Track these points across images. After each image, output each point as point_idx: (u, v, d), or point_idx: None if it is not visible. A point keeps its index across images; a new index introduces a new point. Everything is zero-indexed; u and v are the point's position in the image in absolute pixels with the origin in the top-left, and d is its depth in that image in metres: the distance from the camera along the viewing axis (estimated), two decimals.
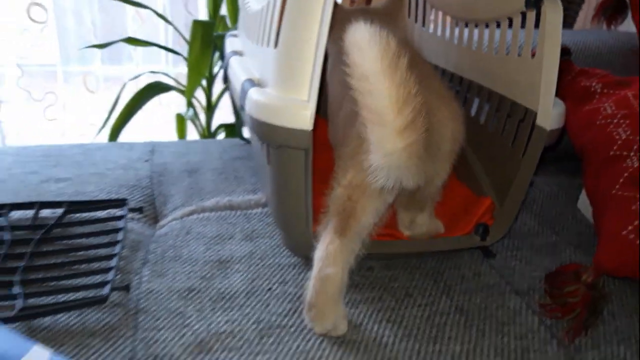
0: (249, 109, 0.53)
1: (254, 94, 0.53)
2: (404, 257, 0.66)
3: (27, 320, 0.50)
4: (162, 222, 0.73)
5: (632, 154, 0.69)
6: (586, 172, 0.74)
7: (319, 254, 0.52)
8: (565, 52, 0.90)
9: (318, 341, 0.51)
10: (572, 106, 0.82)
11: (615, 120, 0.74)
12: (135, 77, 1.45)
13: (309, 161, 0.53)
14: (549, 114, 0.58)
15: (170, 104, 1.76)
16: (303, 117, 0.49)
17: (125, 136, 1.35)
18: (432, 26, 0.89)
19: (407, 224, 0.64)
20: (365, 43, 0.43)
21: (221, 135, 1.51)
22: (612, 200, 0.66)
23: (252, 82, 0.58)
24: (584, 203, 0.82)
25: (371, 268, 0.63)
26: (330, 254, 0.51)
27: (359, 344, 0.51)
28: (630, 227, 0.60)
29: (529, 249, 0.70)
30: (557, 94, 0.61)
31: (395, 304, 0.57)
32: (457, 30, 0.79)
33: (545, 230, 0.76)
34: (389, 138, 0.44)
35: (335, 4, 0.51)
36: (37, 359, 0.40)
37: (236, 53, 0.77)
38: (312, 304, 0.51)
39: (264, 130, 0.51)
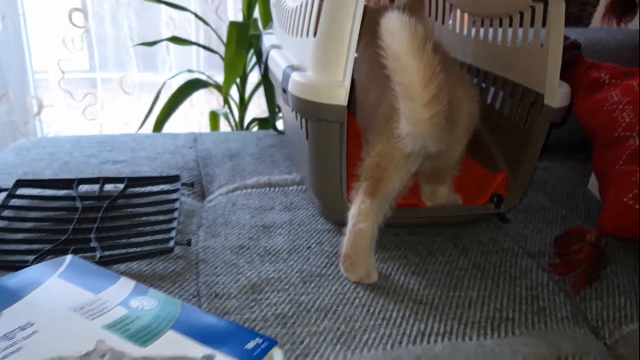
0: (292, 89, 0.62)
1: (296, 76, 0.62)
2: (426, 225, 0.73)
3: (106, 266, 0.58)
4: (209, 197, 0.82)
5: (634, 134, 0.75)
6: (595, 152, 0.81)
7: (352, 212, 0.60)
8: (576, 46, 0.97)
9: (353, 286, 0.59)
10: (582, 95, 0.89)
11: (620, 106, 0.81)
12: (174, 76, 1.56)
13: (343, 133, 0.61)
14: (556, 93, 0.65)
15: (200, 104, 1.87)
16: (339, 94, 0.58)
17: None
18: (450, 23, 0.97)
19: (428, 195, 0.71)
20: (397, 28, 0.50)
21: (254, 129, 1.60)
22: (616, 174, 0.73)
23: (293, 68, 0.67)
24: (593, 185, 0.88)
25: (397, 234, 0.71)
26: (362, 211, 0.59)
27: (388, 289, 0.58)
28: (630, 195, 0.67)
29: (541, 221, 0.77)
30: (569, 85, 0.68)
31: (420, 261, 0.64)
32: (473, 26, 0.87)
33: (557, 206, 0.83)
34: (416, 109, 0.51)
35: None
36: (125, 286, 0.49)
37: (274, 46, 0.86)
38: (347, 254, 0.59)
39: (305, 107, 0.60)
